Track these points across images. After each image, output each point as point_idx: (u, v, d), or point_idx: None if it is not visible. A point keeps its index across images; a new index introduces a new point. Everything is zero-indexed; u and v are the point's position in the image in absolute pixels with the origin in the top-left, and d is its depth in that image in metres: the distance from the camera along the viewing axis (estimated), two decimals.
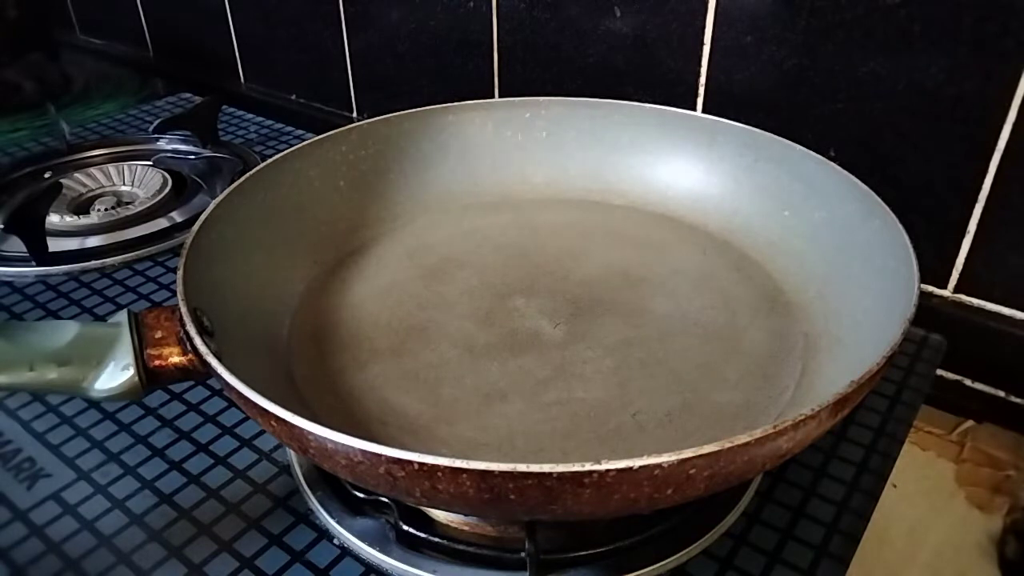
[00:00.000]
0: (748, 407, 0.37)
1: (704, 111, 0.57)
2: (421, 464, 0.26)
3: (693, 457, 0.26)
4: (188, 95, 0.91)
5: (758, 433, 0.26)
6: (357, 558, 0.37)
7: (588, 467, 0.25)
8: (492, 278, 0.47)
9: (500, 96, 0.68)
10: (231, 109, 0.85)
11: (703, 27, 0.54)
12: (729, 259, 0.47)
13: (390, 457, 0.26)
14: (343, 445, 0.27)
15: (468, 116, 0.53)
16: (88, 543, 0.38)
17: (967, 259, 0.49)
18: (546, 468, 0.25)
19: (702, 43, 0.55)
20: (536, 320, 0.43)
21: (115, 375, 0.35)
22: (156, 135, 0.76)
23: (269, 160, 0.47)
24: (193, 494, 0.40)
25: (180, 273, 0.36)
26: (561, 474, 0.25)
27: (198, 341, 0.32)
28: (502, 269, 0.47)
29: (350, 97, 0.80)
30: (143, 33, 1.01)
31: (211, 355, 0.31)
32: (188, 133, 0.75)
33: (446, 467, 0.26)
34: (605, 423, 0.37)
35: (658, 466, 0.25)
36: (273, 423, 0.29)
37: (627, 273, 0.46)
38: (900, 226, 0.37)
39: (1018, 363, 0.49)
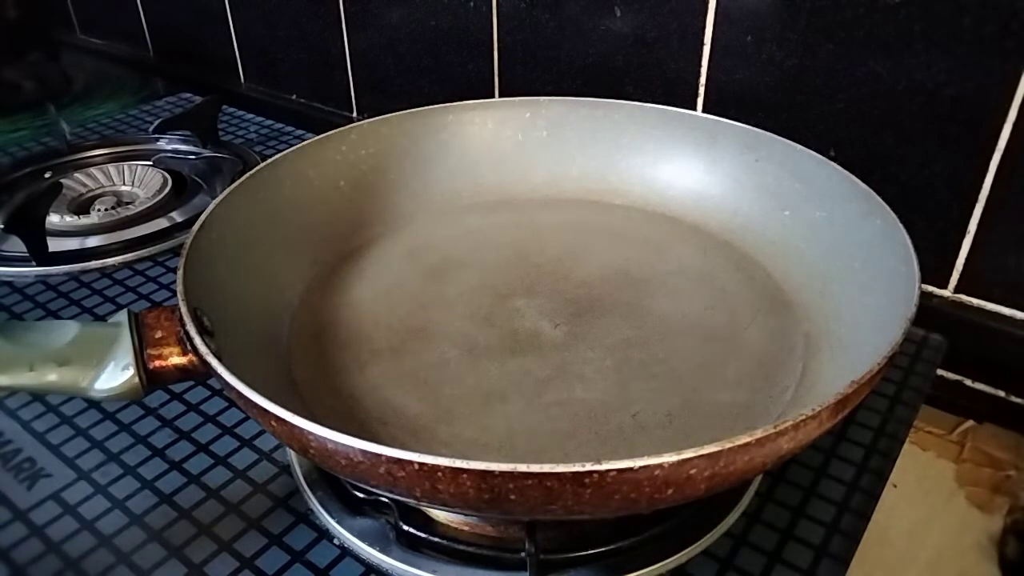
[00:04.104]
0: (749, 407, 0.37)
1: (704, 111, 0.57)
2: (421, 464, 0.26)
3: (694, 457, 0.26)
4: (188, 95, 0.91)
5: (759, 433, 0.26)
6: (357, 558, 0.37)
7: (588, 467, 0.25)
8: (492, 278, 0.47)
9: (500, 96, 0.68)
10: (231, 109, 0.85)
11: (703, 27, 0.54)
12: (730, 259, 0.47)
13: (390, 457, 0.26)
14: (343, 445, 0.27)
15: (468, 116, 0.53)
16: (88, 543, 0.38)
17: (967, 259, 0.49)
18: (546, 468, 0.25)
19: (702, 43, 0.55)
20: (536, 320, 0.43)
21: (115, 375, 0.35)
22: (156, 135, 0.76)
23: (269, 160, 0.47)
24: (193, 494, 0.40)
25: (180, 273, 0.36)
26: (561, 474, 0.25)
27: (198, 341, 0.32)
28: (502, 269, 0.47)
29: (350, 97, 0.80)
30: (143, 33, 1.01)
31: (211, 355, 0.31)
32: (188, 133, 0.75)
33: (446, 467, 0.26)
34: (606, 423, 0.37)
35: (659, 466, 0.25)
36: (273, 423, 0.29)
37: (627, 273, 0.46)
38: (900, 225, 0.37)
39: (1018, 363, 0.49)
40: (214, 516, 0.39)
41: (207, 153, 0.73)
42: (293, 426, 0.28)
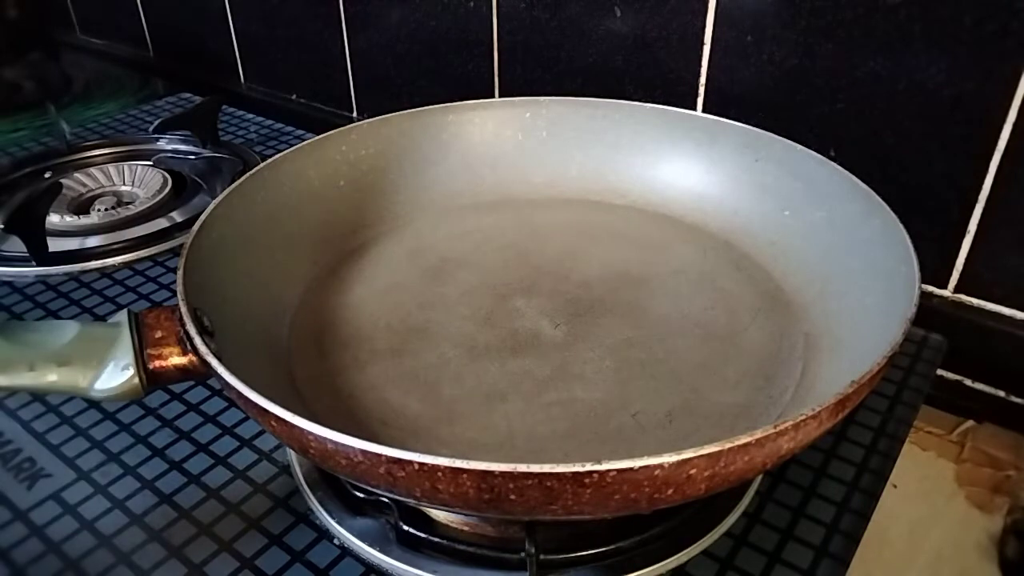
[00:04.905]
0: (749, 407, 0.37)
1: (704, 111, 0.57)
2: (421, 464, 0.26)
3: (694, 457, 0.26)
4: (188, 95, 0.91)
5: (759, 433, 0.26)
6: (357, 558, 0.37)
7: (588, 467, 0.25)
8: (492, 278, 0.47)
9: (500, 96, 0.68)
10: (231, 109, 0.85)
11: (703, 27, 0.54)
12: (730, 259, 0.47)
13: (390, 457, 0.26)
14: (343, 445, 0.27)
15: (468, 116, 0.53)
16: (88, 543, 0.38)
17: (967, 259, 0.49)
18: (546, 468, 0.25)
19: (702, 43, 0.55)
20: (536, 320, 0.43)
21: (115, 375, 0.35)
22: (156, 135, 0.76)
23: (269, 160, 0.47)
24: (193, 494, 0.40)
25: (180, 273, 0.36)
26: (561, 474, 0.25)
27: (198, 341, 0.32)
28: (502, 269, 0.47)
29: (350, 97, 0.80)
30: (143, 33, 1.01)
31: (211, 355, 0.31)
32: (188, 133, 0.75)
33: (446, 467, 0.26)
34: (606, 423, 0.37)
35: (659, 466, 0.25)
36: (273, 423, 0.29)
37: (627, 273, 0.46)
38: (900, 225, 0.37)
39: (1018, 363, 0.49)
40: (214, 516, 0.39)
41: (207, 153, 0.73)
42: (293, 426, 0.28)
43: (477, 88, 0.68)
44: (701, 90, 0.56)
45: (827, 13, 0.49)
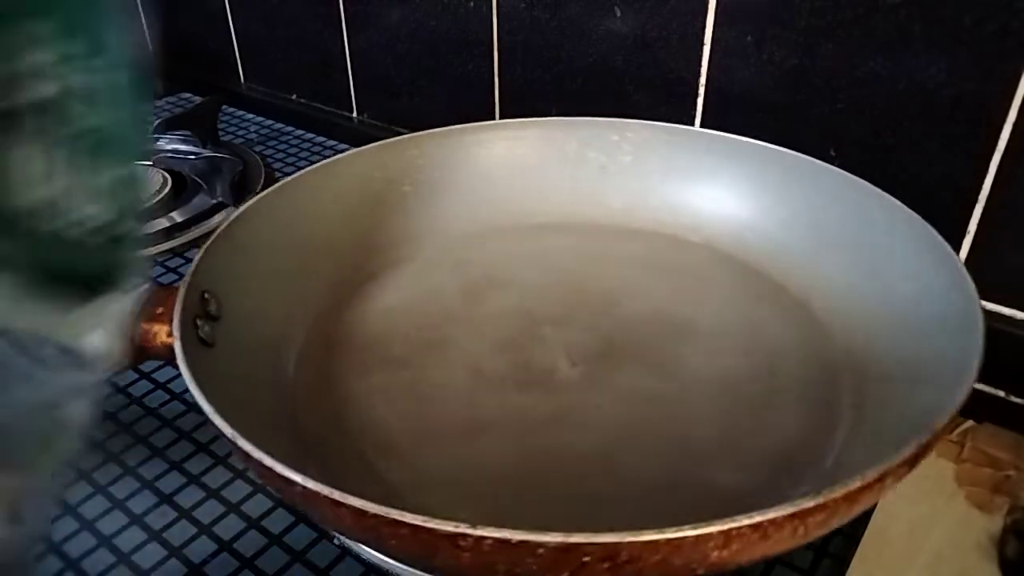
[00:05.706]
0: (753, 494, 0.33)
1: (704, 112, 0.57)
2: (304, 488, 0.25)
3: (584, 544, 0.22)
4: (188, 95, 0.91)
5: (669, 533, 0.22)
6: (357, 558, 0.37)
7: (462, 529, 0.22)
8: (530, 302, 0.44)
9: (500, 97, 0.68)
10: (231, 109, 0.85)
11: (703, 27, 0.54)
12: (793, 319, 0.42)
13: (281, 474, 0.26)
14: (245, 452, 0.27)
15: (551, 133, 0.52)
16: (88, 543, 0.38)
17: (967, 259, 0.49)
18: (417, 520, 0.23)
19: (702, 43, 0.55)
20: (556, 355, 0.41)
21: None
22: (156, 135, 0.76)
23: (334, 158, 0.47)
24: (193, 494, 0.40)
25: (198, 256, 0.36)
26: (435, 530, 0.23)
27: (176, 323, 0.33)
28: (543, 294, 0.45)
29: (350, 97, 0.80)
30: (143, 33, 1.01)
31: (178, 338, 0.32)
32: (188, 133, 0.75)
33: (326, 497, 0.24)
34: (580, 483, 0.34)
35: (540, 544, 0.22)
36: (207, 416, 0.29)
37: (674, 316, 0.43)
38: (973, 288, 0.35)
39: (1018, 363, 0.49)
40: (214, 516, 0.39)
41: (207, 153, 0.73)
42: (211, 422, 0.28)
43: (477, 88, 0.68)
44: (701, 90, 0.56)
45: (827, 13, 0.49)
